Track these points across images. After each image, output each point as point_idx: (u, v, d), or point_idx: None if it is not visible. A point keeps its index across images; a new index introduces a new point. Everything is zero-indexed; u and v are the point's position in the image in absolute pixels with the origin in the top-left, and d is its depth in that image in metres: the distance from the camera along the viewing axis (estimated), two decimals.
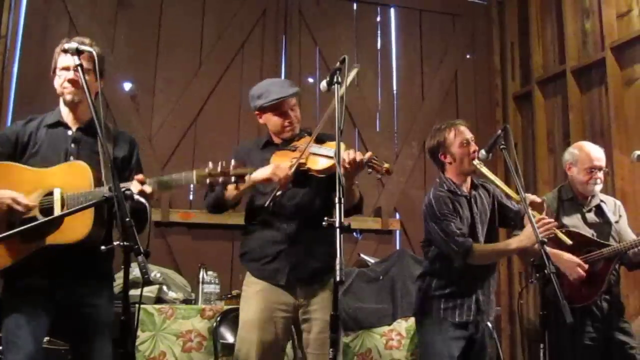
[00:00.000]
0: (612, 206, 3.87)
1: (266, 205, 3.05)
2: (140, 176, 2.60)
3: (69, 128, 2.82)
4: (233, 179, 2.60)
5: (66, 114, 2.83)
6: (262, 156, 3.22)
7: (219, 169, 2.60)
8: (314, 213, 3.13)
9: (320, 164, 3.02)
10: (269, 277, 3.14)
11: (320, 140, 3.12)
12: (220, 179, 2.60)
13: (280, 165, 3.01)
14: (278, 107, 3.20)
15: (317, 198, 3.19)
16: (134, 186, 2.53)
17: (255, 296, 3.14)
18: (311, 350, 3.11)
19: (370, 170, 2.90)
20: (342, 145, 3.04)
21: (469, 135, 3.36)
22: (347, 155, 2.85)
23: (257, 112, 3.30)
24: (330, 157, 2.96)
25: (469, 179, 3.42)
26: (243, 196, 3.21)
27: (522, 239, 3.13)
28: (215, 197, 3.18)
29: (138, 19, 5.51)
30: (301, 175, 3.06)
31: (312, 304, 3.13)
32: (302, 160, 3.01)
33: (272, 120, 3.24)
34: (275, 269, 3.13)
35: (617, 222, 3.80)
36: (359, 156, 2.86)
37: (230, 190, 3.07)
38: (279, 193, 3.05)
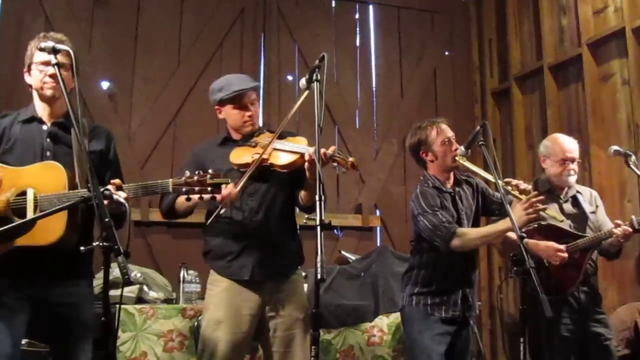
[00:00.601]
0: (588, 197, 3.91)
1: (208, 223, 3.04)
2: (117, 181, 2.57)
3: (43, 123, 2.77)
4: (209, 188, 2.58)
5: (41, 110, 2.78)
6: (221, 152, 3.19)
7: (195, 178, 2.58)
8: (277, 208, 3.15)
9: (283, 159, 2.99)
10: (233, 273, 3.11)
11: (281, 136, 3.10)
12: (197, 188, 2.58)
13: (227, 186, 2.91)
14: (239, 101, 3.19)
15: (279, 194, 3.18)
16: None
17: (220, 294, 3.11)
18: (276, 348, 3.09)
19: (335, 164, 2.87)
20: (305, 141, 3.04)
21: (450, 133, 3.39)
22: (310, 149, 2.84)
23: (217, 107, 3.28)
24: (294, 152, 2.95)
25: (452, 176, 3.45)
26: (194, 208, 3.12)
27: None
28: (167, 203, 3.16)
29: (115, 17, 5.47)
30: (262, 171, 3.03)
31: (278, 301, 3.11)
32: (265, 156, 2.98)
33: (232, 115, 3.22)
34: (240, 265, 3.10)
35: (593, 212, 3.84)
36: (322, 150, 2.82)
37: (181, 202, 3.03)
38: (222, 211, 2.98)
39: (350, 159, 2.88)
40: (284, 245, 3.17)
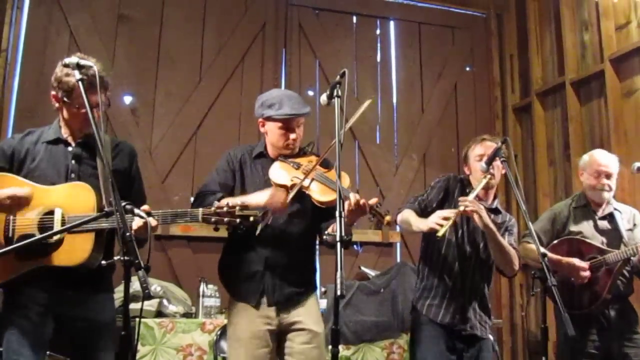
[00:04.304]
0: (628, 214, 3.85)
1: (257, 234, 2.96)
2: (146, 207, 2.57)
3: (69, 144, 2.79)
4: (238, 220, 2.58)
5: (66, 131, 2.80)
6: (258, 167, 3.16)
7: (225, 209, 2.59)
8: (297, 237, 3.10)
9: (323, 196, 2.91)
10: (242, 297, 3.08)
11: (325, 164, 3.05)
12: (226, 219, 2.59)
13: (277, 192, 2.91)
14: (286, 122, 3.10)
15: (302, 223, 3.13)
16: (135, 222, 2.50)
17: (240, 312, 3.08)
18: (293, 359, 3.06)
19: (371, 217, 2.85)
20: (347, 180, 2.97)
21: (482, 151, 3.42)
22: (353, 197, 2.77)
23: (261, 120, 3.18)
24: (334, 191, 2.77)
25: (490, 198, 3.47)
26: None
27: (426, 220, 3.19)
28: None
29: (138, 33, 5.54)
30: (294, 196, 2.95)
31: (295, 316, 3.07)
32: (305, 184, 2.93)
33: (275, 134, 3.13)
34: (248, 289, 3.07)
35: (630, 230, 3.78)
36: (362, 200, 2.77)
37: None
38: (270, 222, 2.96)
39: (387, 217, 2.85)
40: (297, 275, 3.12)
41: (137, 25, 5.54)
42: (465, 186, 3.45)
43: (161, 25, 5.62)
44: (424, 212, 3.34)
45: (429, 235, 3.43)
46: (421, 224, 3.20)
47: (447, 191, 3.43)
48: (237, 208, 2.59)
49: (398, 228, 5.85)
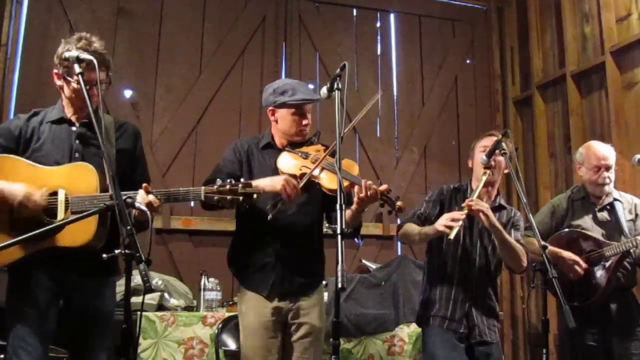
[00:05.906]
0: (629, 204, 3.82)
1: (269, 218, 2.95)
2: (145, 185, 2.57)
3: (73, 124, 2.79)
4: (241, 198, 2.57)
5: (70, 111, 2.81)
6: (265, 157, 3.17)
7: (227, 187, 2.58)
8: (306, 228, 3.13)
9: (335, 184, 2.85)
10: (253, 287, 3.11)
11: (333, 154, 3.01)
12: (229, 197, 2.58)
13: (291, 179, 2.91)
14: (300, 108, 3.14)
15: (311, 212, 3.16)
16: (140, 195, 2.52)
17: (249, 302, 3.12)
18: (294, 353, 3.10)
19: (382, 202, 2.86)
20: (356, 167, 2.99)
21: (487, 143, 3.36)
22: (364, 183, 2.80)
23: (272, 108, 3.19)
24: (346, 180, 2.83)
25: (493, 195, 3.44)
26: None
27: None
28: None
29: (138, 27, 5.53)
30: (303, 186, 2.97)
31: (300, 309, 3.12)
32: (315, 173, 2.94)
33: (287, 120, 3.15)
34: (259, 280, 3.10)
35: (631, 221, 3.76)
36: (372, 185, 2.80)
37: None
38: (283, 207, 2.97)
39: (399, 202, 2.86)
40: (307, 265, 3.15)
41: (137, 19, 5.53)
42: (464, 192, 3.43)
43: (161, 19, 5.62)
44: (424, 225, 3.34)
45: (433, 246, 3.44)
46: (429, 230, 3.20)
47: (442, 203, 3.43)
48: (240, 186, 2.58)
49: (399, 221, 5.88)
